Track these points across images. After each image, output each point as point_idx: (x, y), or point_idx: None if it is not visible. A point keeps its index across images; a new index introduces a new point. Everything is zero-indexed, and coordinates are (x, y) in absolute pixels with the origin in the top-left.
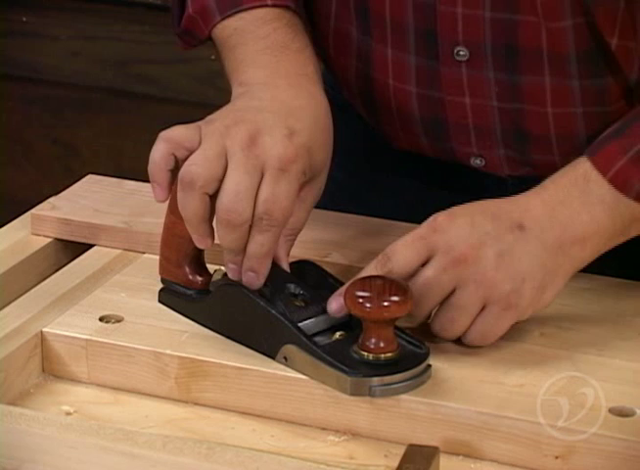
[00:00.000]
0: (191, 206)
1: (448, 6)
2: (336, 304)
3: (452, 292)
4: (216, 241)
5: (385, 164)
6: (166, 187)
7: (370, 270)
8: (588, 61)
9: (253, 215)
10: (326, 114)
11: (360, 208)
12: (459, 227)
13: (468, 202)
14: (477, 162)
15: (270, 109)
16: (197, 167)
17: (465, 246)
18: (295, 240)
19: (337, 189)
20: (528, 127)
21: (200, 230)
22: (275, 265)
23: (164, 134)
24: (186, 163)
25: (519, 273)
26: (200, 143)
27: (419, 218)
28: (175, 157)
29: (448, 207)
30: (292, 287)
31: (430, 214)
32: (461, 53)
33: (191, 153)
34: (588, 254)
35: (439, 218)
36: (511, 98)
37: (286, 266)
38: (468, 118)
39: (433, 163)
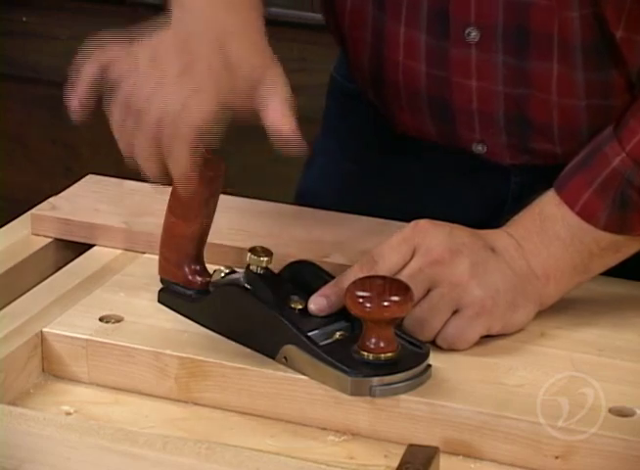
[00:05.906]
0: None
1: None
2: (314, 305)
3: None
4: (216, 241)
5: (391, 151)
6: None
7: (355, 273)
8: (593, 52)
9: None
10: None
11: (368, 195)
12: (439, 232)
13: (472, 192)
14: (478, 148)
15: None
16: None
17: (442, 248)
18: None
19: (346, 180)
20: (532, 115)
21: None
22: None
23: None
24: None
25: (492, 284)
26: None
27: (424, 207)
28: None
29: (453, 196)
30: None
31: (434, 205)
32: (472, 34)
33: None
34: (553, 289)
35: (421, 222)
36: (517, 83)
37: None
38: (473, 103)
39: (438, 150)
